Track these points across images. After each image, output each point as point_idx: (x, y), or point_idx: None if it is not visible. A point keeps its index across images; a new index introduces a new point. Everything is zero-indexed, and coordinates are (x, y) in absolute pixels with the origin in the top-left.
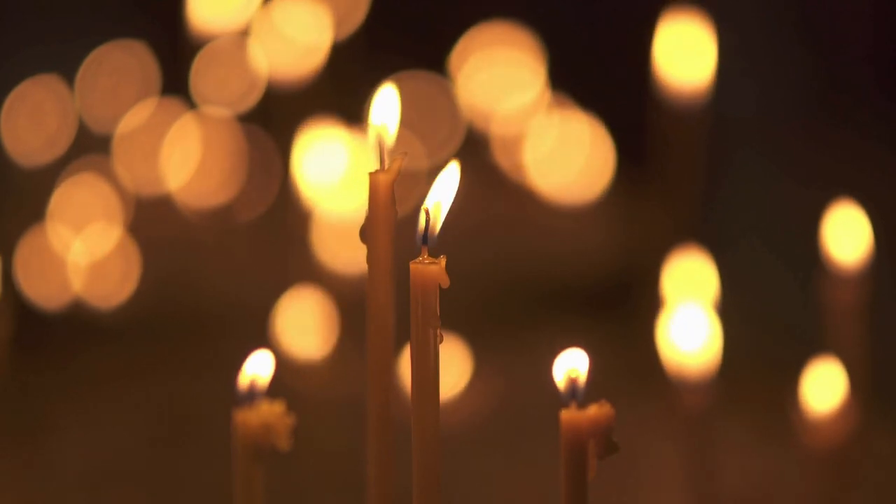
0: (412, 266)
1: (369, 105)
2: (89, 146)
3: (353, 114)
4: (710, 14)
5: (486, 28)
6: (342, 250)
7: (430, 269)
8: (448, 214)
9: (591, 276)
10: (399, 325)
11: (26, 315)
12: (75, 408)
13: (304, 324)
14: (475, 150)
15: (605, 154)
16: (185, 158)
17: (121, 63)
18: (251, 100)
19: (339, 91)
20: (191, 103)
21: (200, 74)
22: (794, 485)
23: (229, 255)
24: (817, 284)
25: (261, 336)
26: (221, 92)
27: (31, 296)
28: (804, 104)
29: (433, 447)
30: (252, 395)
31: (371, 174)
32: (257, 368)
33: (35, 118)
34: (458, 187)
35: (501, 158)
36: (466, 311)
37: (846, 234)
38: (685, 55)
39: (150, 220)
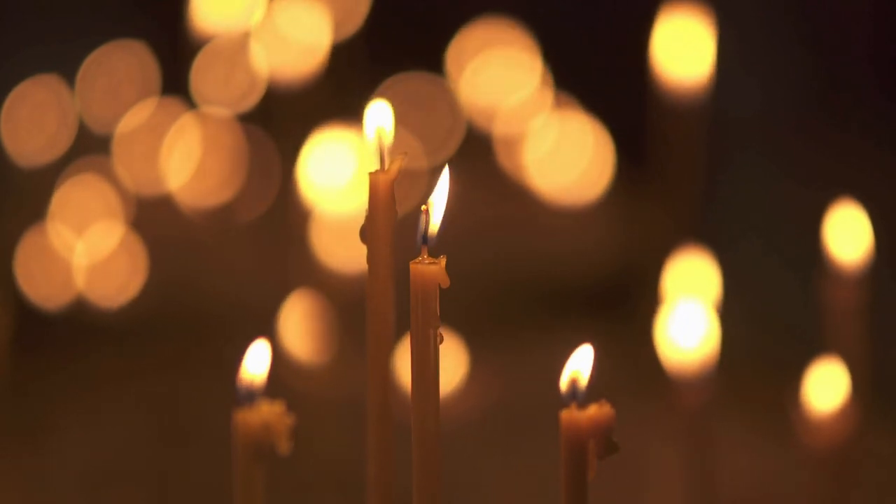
0: (412, 266)
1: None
2: (89, 146)
3: (353, 114)
4: (709, 13)
5: (485, 27)
6: (342, 250)
7: (430, 269)
8: (447, 215)
9: (591, 276)
10: (399, 325)
11: (27, 315)
12: (76, 408)
13: (304, 324)
14: (475, 150)
15: (606, 154)
16: (185, 158)
17: (121, 63)
18: (251, 100)
19: (339, 91)
20: (191, 103)
21: (201, 74)
22: (794, 485)
23: (230, 255)
24: (817, 284)
25: (261, 336)
26: (222, 92)
27: (32, 296)
28: (804, 104)
29: (433, 447)
30: (252, 394)
31: (371, 174)
32: (255, 363)
33: (35, 118)
34: (456, 188)
35: (501, 158)
36: (466, 311)
37: (846, 234)
38: (684, 54)
39: (151, 220)
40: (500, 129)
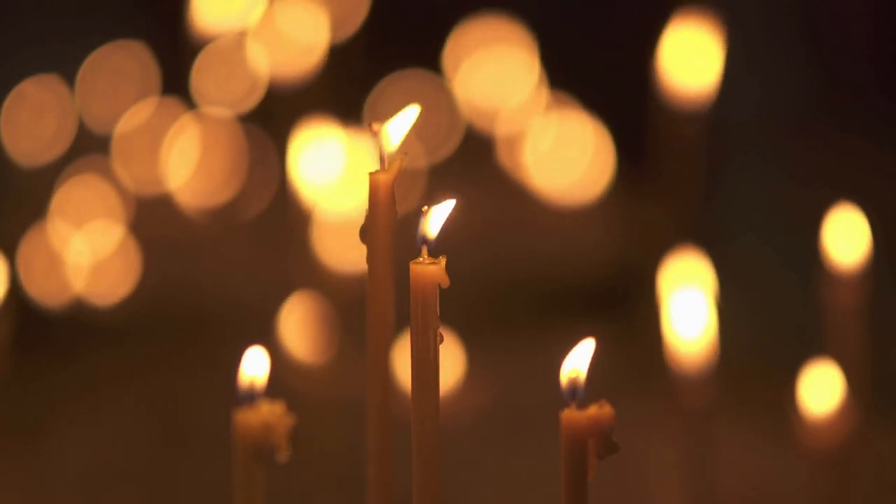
0: (412, 266)
1: (379, 105)
2: (89, 146)
3: (354, 114)
4: (712, 14)
5: (485, 27)
6: (342, 250)
7: (430, 269)
8: (447, 215)
9: (590, 276)
10: (399, 325)
11: (27, 315)
12: (76, 408)
13: (304, 323)
14: (474, 149)
15: (606, 154)
16: (185, 158)
17: (121, 63)
18: (252, 100)
19: (338, 91)
20: (191, 103)
21: (201, 74)
22: (794, 484)
23: (229, 254)
24: (817, 285)
25: (261, 336)
26: (222, 92)
27: (32, 295)
28: (804, 105)
29: (433, 447)
30: (252, 395)
31: (371, 174)
32: (254, 367)
33: (35, 118)
34: (456, 185)
35: (501, 158)
36: (466, 311)
37: (846, 235)
38: (689, 57)
39: (151, 219)
40: (499, 128)
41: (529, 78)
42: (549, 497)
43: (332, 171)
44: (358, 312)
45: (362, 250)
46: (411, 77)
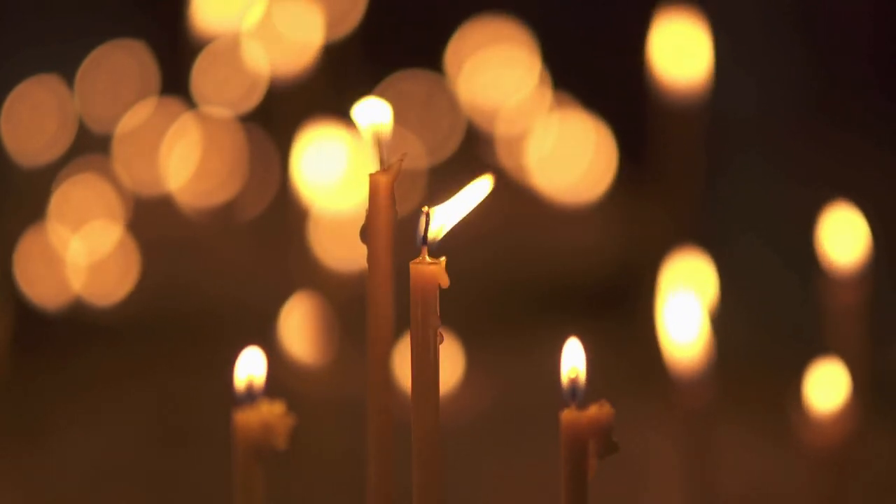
0: (412, 266)
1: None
2: (89, 146)
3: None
4: (708, 13)
5: (485, 27)
6: (342, 250)
7: (430, 269)
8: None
9: (590, 276)
10: (399, 325)
11: (26, 315)
12: (75, 408)
13: (304, 324)
14: (474, 149)
15: (606, 154)
16: (185, 158)
17: (121, 63)
18: (251, 100)
19: (338, 90)
20: (191, 103)
21: (201, 74)
22: (794, 484)
23: (229, 254)
24: (817, 284)
25: (261, 336)
26: (222, 92)
27: (31, 296)
28: (804, 104)
29: (433, 447)
30: (252, 395)
31: (371, 175)
32: (250, 368)
33: (35, 118)
34: (456, 185)
35: (501, 158)
36: (466, 311)
37: (846, 234)
38: (680, 55)
39: (150, 219)
40: (500, 128)
41: (530, 78)
42: (549, 497)
43: (333, 171)
44: (358, 312)
45: (362, 250)
46: (412, 77)
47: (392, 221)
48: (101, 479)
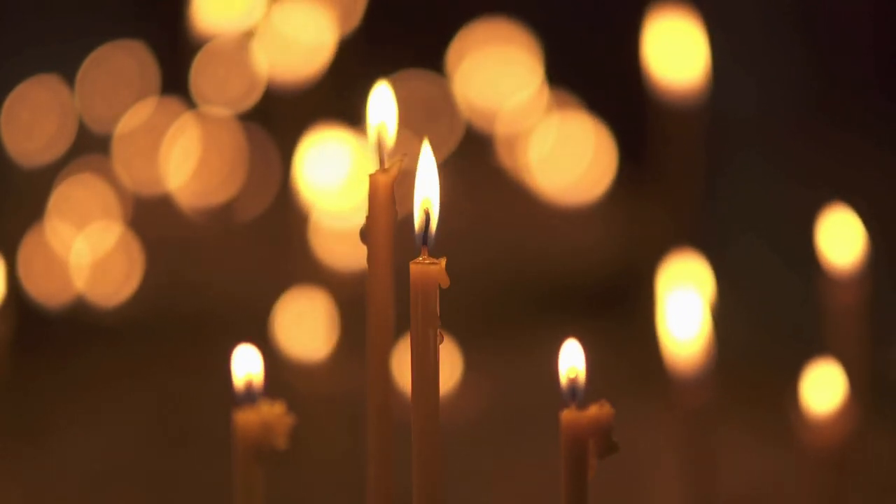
0: (412, 266)
1: (367, 105)
2: (89, 146)
3: (353, 113)
4: (707, 13)
5: (485, 27)
6: (342, 250)
7: (430, 269)
8: (448, 214)
9: (590, 276)
10: (399, 325)
11: (27, 315)
12: (76, 408)
13: (304, 324)
14: (474, 149)
15: (606, 154)
16: (185, 158)
17: (121, 63)
18: (251, 100)
19: (338, 91)
20: (191, 103)
21: (201, 74)
22: (794, 485)
23: (230, 254)
24: (816, 284)
25: (261, 335)
26: (222, 92)
27: (32, 295)
28: (804, 104)
29: (433, 447)
30: (252, 395)
31: (371, 175)
32: (247, 367)
33: (35, 118)
34: (457, 187)
35: (501, 158)
36: (466, 311)
37: (845, 234)
38: (676, 54)
39: (151, 219)
40: (500, 128)
41: (530, 78)
42: (549, 497)
43: (333, 171)
44: (358, 312)
45: (362, 250)
46: (413, 77)
47: (392, 221)
48: (101, 479)
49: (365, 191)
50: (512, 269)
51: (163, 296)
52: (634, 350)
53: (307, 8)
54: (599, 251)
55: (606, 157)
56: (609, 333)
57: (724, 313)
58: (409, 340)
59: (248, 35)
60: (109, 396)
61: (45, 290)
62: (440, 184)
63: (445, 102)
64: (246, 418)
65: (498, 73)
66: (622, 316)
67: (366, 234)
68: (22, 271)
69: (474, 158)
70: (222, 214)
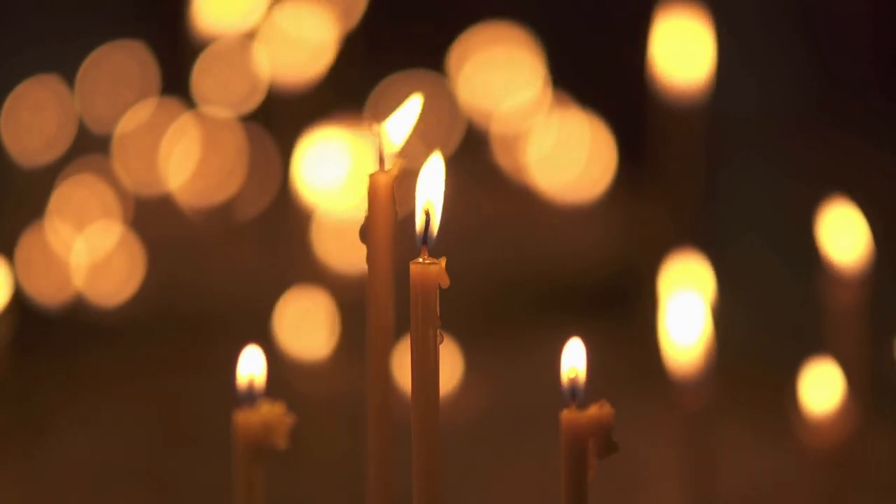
0: (412, 266)
1: (379, 104)
2: (89, 146)
3: (354, 114)
4: (708, 12)
5: (485, 27)
6: (342, 250)
7: (430, 269)
8: (448, 214)
9: (590, 276)
10: (399, 325)
11: (27, 315)
12: (76, 408)
13: (304, 324)
14: (475, 149)
15: (606, 153)
16: (185, 158)
17: (121, 63)
18: (253, 101)
19: (339, 92)
20: (191, 103)
21: (202, 75)
22: (794, 485)
23: (230, 254)
24: (817, 284)
25: (261, 336)
26: (222, 92)
27: (32, 295)
28: (804, 104)
29: (433, 447)
30: (252, 395)
31: (371, 175)
32: (251, 367)
33: (35, 118)
34: (457, 187)
35: (501, 158)
36: (466, 311)
37: (845, 234)
38: (683, 54)
39: (151, 219)
40: (500, 128)
41: (531, 78)
42: (549, 497)
43: (333, 171)
44: (358, 312)
45: (362, 250)
46: (413, 77)
47: (392, 221)
48: (101, 479)
49: (365, 190)
50: (512, 269)
51: (163, 296)
52: (634, 350)
53: (308, 8)
54: (599, 251)
55: (606, 157)
56: (609, 333)
57: (725, 313)
58: (409, 340)
59: (249, 35)
60: (109, 396)
61: (45, 290)
62: (443, 184)
63: (446, 102)
64: (246, 418)
65: (498, 74)
66: (622, 316)
67: (365, 234)
68: (22, 271)
69: (474, 158)
70: (222, 214)
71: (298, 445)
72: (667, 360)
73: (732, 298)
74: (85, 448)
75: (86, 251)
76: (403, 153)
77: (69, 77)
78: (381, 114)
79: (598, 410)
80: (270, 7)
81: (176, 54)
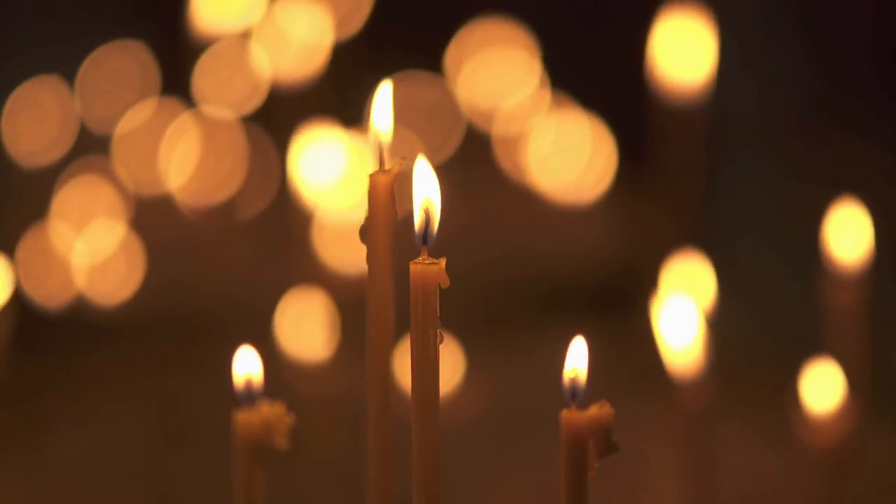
0: (412, 266)
1: (369, 106)
2: (90, 146)
3: (354, 114)
4: (709, 12)
5: (485, 27)
6: (342, 250)
7: (430, 269)
8: (448, 214)
9: (590, 276)
10: (399, 325)
11: (27, 315)
12: (76, 408)
13: (304, 324)
14: (474, 149)
15: (606, 154)
16: (185, 158)
17: (121, 63)
18: (253, 101)
19: (339, 91)
20: (191, 103)
21: (202, 75)
22: (794, 485)
23: (230, 254)
24: (817, 284)
25: (261, 336)
26: (222, 92)
27: (33, 296)
28: (804, 104)
29: (433, 447)
30: (252, 395)
31: (371, 175)
32: (248, 367)
33: (36, 119)
34: (456, 185)
35: (501, 158)
36: (466, 311)
37: (846, 234)
38: (684, 55)
39: (151, 220)
40: (499, 128)
41: (530, 78)
42: (549, 497)
43: (334, 171)
44: (358, 312)
45: (362, 250)
46: (413, 78)
47: (392, 221)
48: (101, 479)
49: (365, 190)
50: (512, 268)
51: (163, 296)
52: (634, 350)
53: (307, 8)
54: (599, 251)
55: (606, 157)
56: (609, 333)
57: (725, 313)
58: (409, 340)
59: (248, 35)
60: (109, 396)
61: (45, 291)
62: (440, 184)
63: (445, 103)
64: (246, 418)
65: (497, 74)
66: (622, 316)
67: (365, 234)
68: (23, 271)
69: (474, 158)
70: (222, 214)
71: (298, 445)
72: (667, 360)
73: (733, 298)
74: (85, 448)
75: (86, 251)
76: (403, 152)
77: (69, 77)
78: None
79: (598, 410)
80: (269, 6)
81: (176, 54)
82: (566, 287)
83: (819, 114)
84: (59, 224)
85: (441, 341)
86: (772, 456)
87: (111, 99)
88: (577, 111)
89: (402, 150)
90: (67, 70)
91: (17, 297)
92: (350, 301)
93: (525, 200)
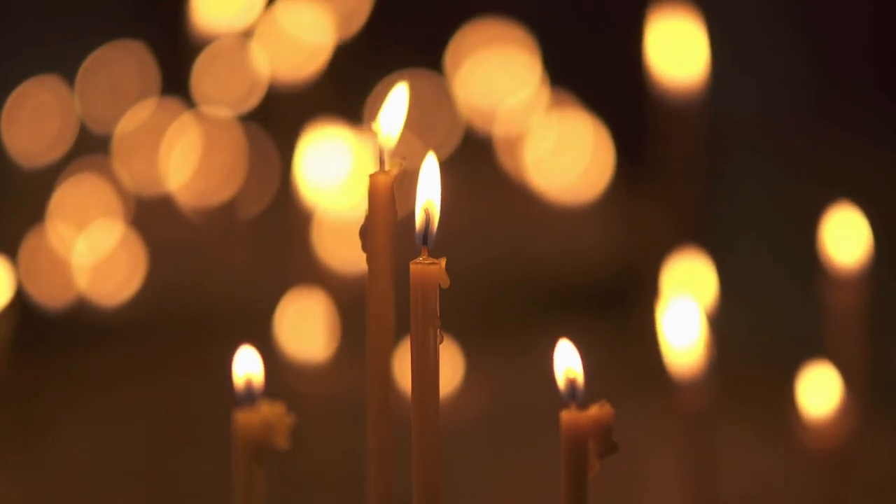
0: (412, 266)
1: (376, 104)
2: (90, 146)
3: (354, 114)
4: (707, 13)
5: (485, 27)
6: (342, 250)
7: (430, 269)
8: (448, 214)
9: (590, 276)
10: (399, 325)
11: (28, 315)
12: (76, 408)
13: (304, 324)
14: (474, 148)
15: (605, 154)
16: (186, 158)
17: (121, 63)
18: (252, 101)
19: (339, 91)
20: (191, 103)
21: (202, 74)
22: (793, 485)
23: (230, 254)
24: (817, 285)
25: (261, 336)
26: (223, 93)
27: (33, 296)
28: (804, 104)
29: (433, 447)
30: (252, 395)
31: (371, 175)
32: (248, 367)
33: (36, 119)
34: (456, 187)
35: (501, 158)
36: (466, 311)
37: (846, 235)
38: (677, 53)
39: (151, 220)
40: (499, 128)
41: (530, 78)
42: (549, 497)
43: (334, 171)
44: (358, 312)
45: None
46: (412, 77)
47: (392, 221)
48: (101, 479)
49: (365, 190)
50: (512, 269)
51: (163, 296)
52: (634, 350)
53: (308, 8)
54: (599, 251)
55: (606, 157)
56: (609, 333)
57: (725, 313)
58: (409, 340)
59: (248, 35)
60: (110, 396)
61: (46, 291)
62: (441, 184)
63: (445, 102)
64: (246, 418)
65: (497, 73)
66: (622, 316)
67: (365, 234)
68: (23, 272)
69: (474, 158)
70: (222, 214)
71: (298, 445)
72: (667, 360)
73: (732, 299)
74: (86, 448)
75: (87, 251)
76: (403, 152)
77: (69, 77)
78: (376, 111)
79: (598, 411)
80: (269, 6)
81: (176, 54)
82: (566, 287)
83: (818, 113)
84: (59, 224)
85: (441, 341)
86: (772, 456)
87: (111, 99)
88: (577, 111)
89: (401, 150)
90: (67, 70)
91: (18, 298)
92: (350, 301)
93: (525, 200)
